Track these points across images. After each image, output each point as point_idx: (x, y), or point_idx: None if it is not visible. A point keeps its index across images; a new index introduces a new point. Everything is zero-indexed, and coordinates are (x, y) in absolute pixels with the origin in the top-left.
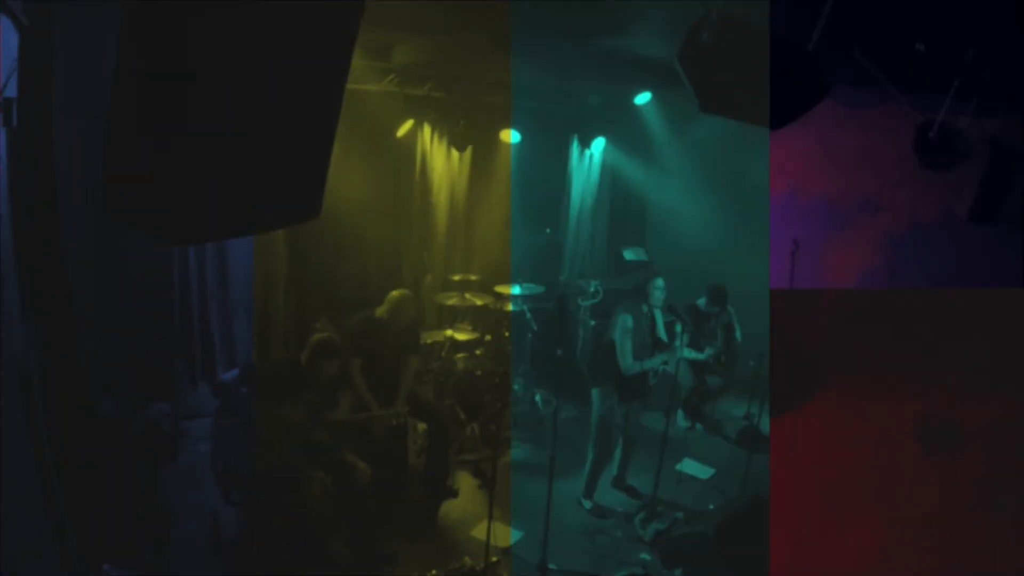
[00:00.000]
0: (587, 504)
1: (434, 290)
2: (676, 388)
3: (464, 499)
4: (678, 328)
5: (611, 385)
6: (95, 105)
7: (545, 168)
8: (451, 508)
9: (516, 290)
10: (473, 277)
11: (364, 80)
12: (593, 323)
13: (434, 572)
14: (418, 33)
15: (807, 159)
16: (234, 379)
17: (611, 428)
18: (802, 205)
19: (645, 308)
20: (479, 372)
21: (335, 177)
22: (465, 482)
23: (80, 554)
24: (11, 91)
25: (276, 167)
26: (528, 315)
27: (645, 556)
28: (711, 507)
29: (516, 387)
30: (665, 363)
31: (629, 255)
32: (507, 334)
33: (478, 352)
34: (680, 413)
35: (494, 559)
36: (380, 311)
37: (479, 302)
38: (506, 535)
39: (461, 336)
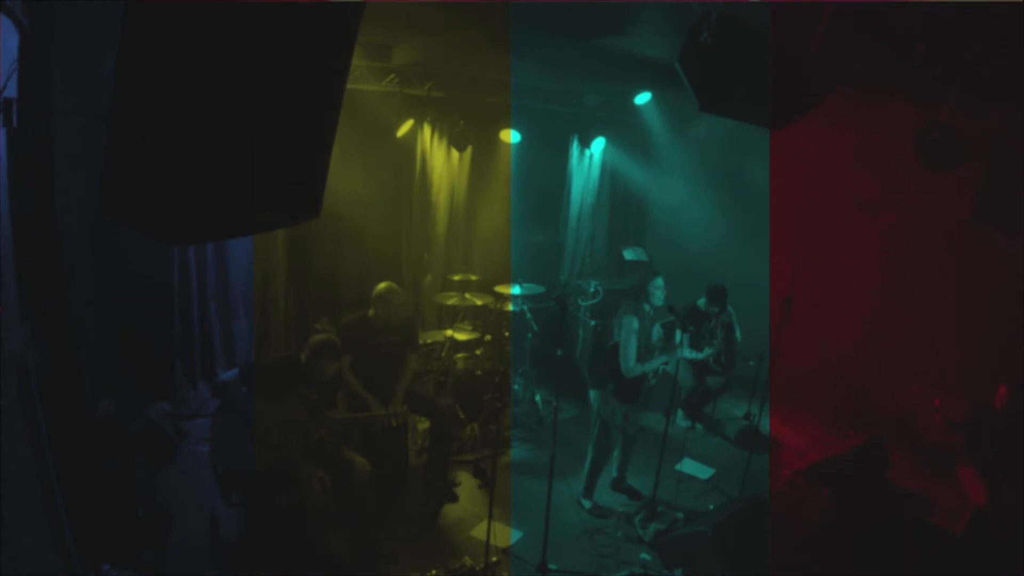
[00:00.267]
0: (587, 504)
1: (434, 290)
2: (676, 388)
3: (464, 499)
4: (678, 329)
5: (612, 386)
6: (95, 105)
7: (545, 168)
8: (451, 508)
9: (516, 290)
10: (473, 277)
11: (364, 80)
12: (593, 323)
13: (434, 572)
14: (418, 33)
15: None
16: (234, 379)
17: (612, 429)
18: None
19: (647, 308)
20: (479, 372)
21: (335, 177)
22: (465, 482)
23: (80, 554)
24: (11, 91)
25: (276, 167)
26: (528, 315)
27: (645, 556)
28: (711, 507)
29: (516, 387)
30: (665, 363)
31: (629, 255)
32: (507, 334)
33: (478, 352)
34: (680, 413)
35: (494, 559)
36: (371, 310)
37: (479, 302)
38: (506, 535)
39: (461, 336)
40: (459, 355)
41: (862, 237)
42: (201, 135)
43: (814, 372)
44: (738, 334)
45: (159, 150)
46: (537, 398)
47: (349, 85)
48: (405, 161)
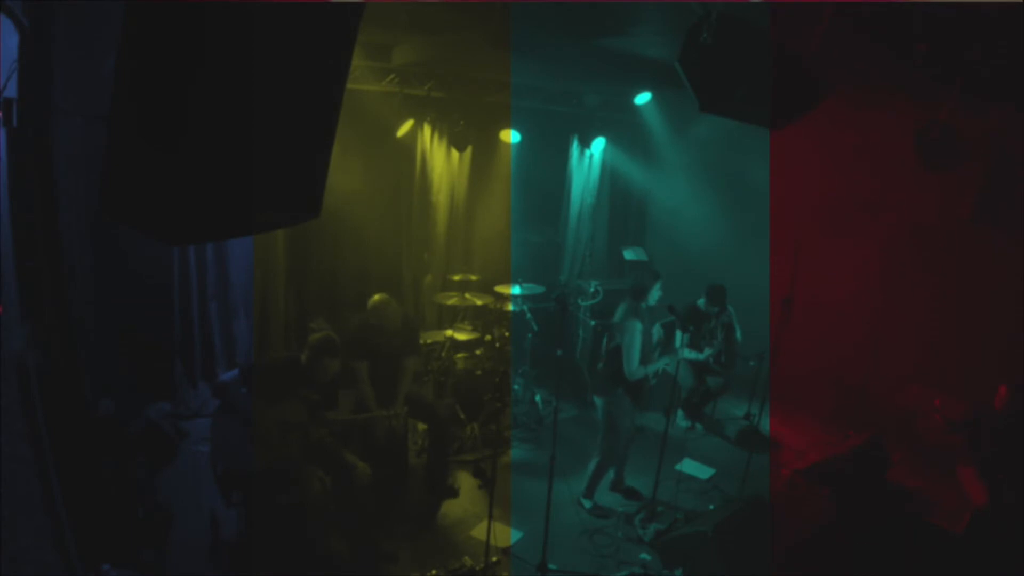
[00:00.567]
0: (587, 504)
1: (434, 290)
2: (676, 388)
3: (464, 499)
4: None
5: (621, 389)
6: (95, 105)
7: (545, 168)
8: (451, 508)
9: (516, 290)
10: (473, 277)
11: (364, 80)
12: (593, 323)
13: (434, 572)
14: (418, 33)
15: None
16: (234, 379)
17: (620, 432)
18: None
19: (644, 307)
20: (479, 372)
21: (335, 177)
22: (465, 482)
23: (80, 554)
24: (11, 91)
25: (276, 167)
26: (528, 315)
27: (645, 556)
28: (711, 507)
29: (516, 387)
30: (667, 364)
31: (629, 255)
32: (507, 334)
33: (478, 352)
34: (680, 413)
35: (494, 559)
36: (370, 317)
37: (479, 302)
38: (506, 535)
39: (461, 336)
40: (459, 355)
41: (862, 237)
42: (201, 135)
43: (814, 372)
44: (738, 334)
45: (159, 150)
46: (537, 398)
47: (349, 85)
48: (405, 161)
